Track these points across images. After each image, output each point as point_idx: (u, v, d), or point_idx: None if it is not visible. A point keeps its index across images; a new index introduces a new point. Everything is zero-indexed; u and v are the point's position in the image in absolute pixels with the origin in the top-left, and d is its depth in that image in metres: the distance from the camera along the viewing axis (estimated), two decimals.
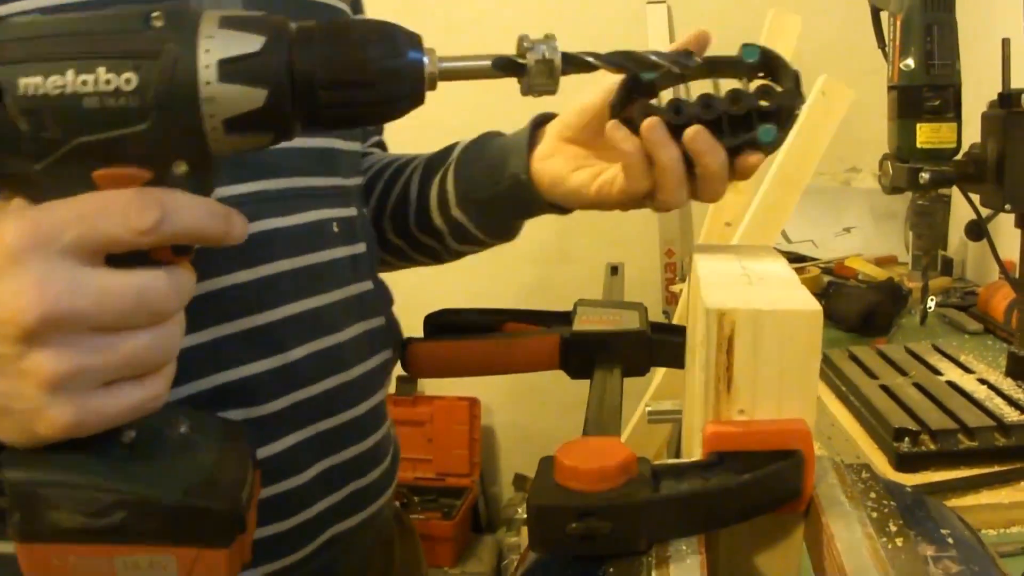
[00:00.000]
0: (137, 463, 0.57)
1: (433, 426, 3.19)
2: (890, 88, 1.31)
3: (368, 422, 0.94)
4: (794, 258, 2.40)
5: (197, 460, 0.60)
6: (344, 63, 0.56)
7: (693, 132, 0.75)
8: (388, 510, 1.02)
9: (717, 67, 0.77)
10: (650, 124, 0.75)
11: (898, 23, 1.28)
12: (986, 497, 1.07)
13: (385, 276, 1.12)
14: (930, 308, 1.59)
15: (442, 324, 0.92)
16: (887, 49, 1.33)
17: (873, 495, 0.55)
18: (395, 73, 0.58)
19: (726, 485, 0.51)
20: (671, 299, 2.62)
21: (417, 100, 0.60)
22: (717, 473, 0.52)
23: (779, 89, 0.75)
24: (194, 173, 0.56)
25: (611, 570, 0.49)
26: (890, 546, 0.49)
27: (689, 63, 0.71)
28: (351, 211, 0.95)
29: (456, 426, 3.18)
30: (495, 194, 0.97)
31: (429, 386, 3.24)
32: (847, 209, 2.55)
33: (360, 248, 0.95)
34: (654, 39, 2.66)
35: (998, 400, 1.23)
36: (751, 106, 0.74)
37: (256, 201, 0.83)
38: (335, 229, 0.91)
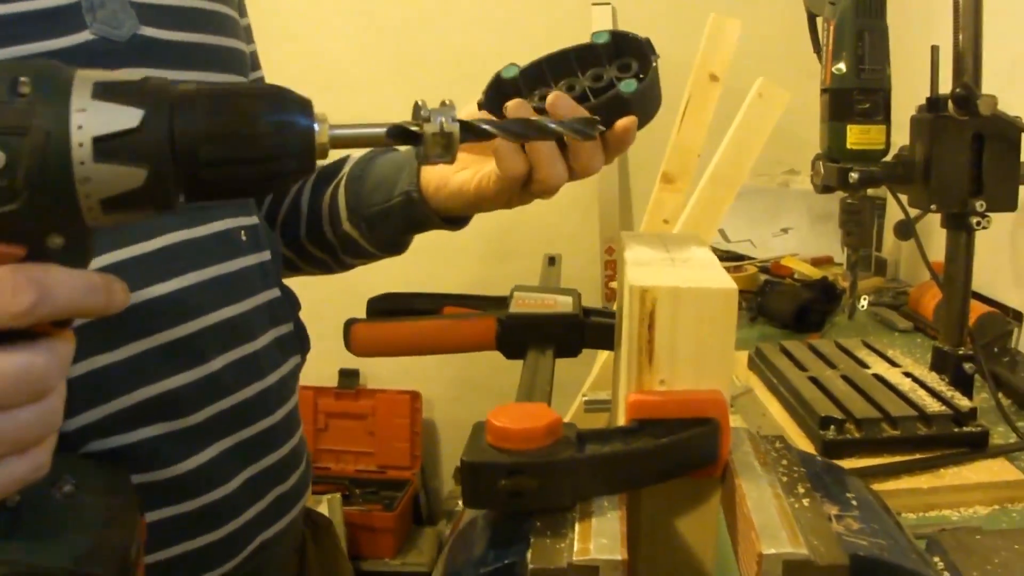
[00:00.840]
0: (23, 532, 0.55)
1: (375, 419, 3.21)
2: (823, 91, 1.35)
3: (283, 428, 0.95)
4: (732, 257, 2.44)
5: (84, 523, 0.58)
6: (231, 138, 0.53)
7: (553, 96, 0.79)
8: (300, 515, 1.04)
9: (578, 60, 0.84)
10: (516, 103, 0.80)
11: (831, 28, 1.32)
12: (907, 482, 1.11)
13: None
14: (862, 306, 1.62)
15: (384, 307, 0.95)
16: (822, 53, 1.37)
17: (785, 462, 0.59)
18: (284, 147, 0.54)
19: (645, 448, 0.54)
20: (611, 295, 2.65)
21: (307, 171, 0.57)
22: (638, 437, 0.55)
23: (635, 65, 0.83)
24: (70, 245, 0.53)
25: (538, 524, 0.52)
26: (797, 505, 0.52)
27: (590, 131, 0.72)
28: (253, 219, 0.95)
29: (397, 419, 3.19)
30: (386, 210, 0.98)
31: (371, 379, 3.25)
32: (785, 210, 2.59)
33: (266, 255, 0.95)
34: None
35: (921, 392, 1.27)
36: (611, 77, 0.81)
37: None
38: (243, 237, 0.91)
